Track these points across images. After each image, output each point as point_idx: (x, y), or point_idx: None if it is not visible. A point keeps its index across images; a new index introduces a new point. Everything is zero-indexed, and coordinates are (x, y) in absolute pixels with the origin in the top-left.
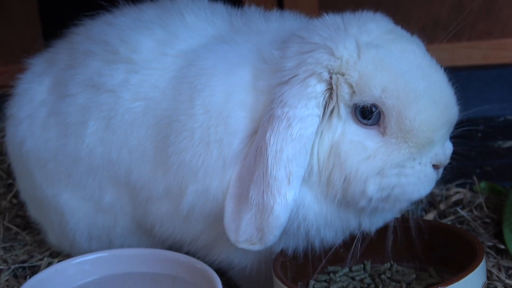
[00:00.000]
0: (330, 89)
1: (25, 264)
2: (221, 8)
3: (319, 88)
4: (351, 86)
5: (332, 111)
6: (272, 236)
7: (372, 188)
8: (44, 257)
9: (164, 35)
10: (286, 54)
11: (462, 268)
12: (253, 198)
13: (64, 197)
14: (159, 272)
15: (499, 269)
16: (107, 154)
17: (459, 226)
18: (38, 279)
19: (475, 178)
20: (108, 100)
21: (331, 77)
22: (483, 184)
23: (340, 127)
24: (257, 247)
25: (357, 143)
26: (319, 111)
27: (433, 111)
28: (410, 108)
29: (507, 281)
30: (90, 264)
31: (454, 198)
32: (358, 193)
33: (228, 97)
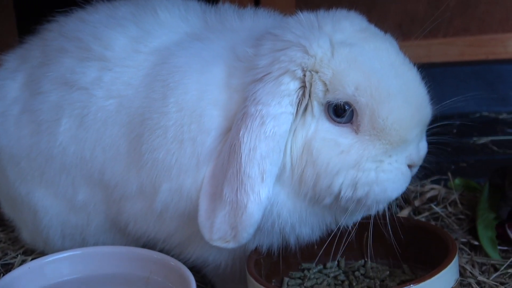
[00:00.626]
0: (303, 87)
1: None
2: (195, 5)
3: (293, 86)
4: (324, 84)
5: (305, 109)
6: (246, 233)
7: (340, 183)
8: (17, 255)
9: (138, 32)
10: (260, 52)
11: (436, 265)
12: (226, 196)
13: (37, 195)
14: (132, 272)
15: (473, 266)
16: (80, 152)
17: (433, 222)
18: (11, 277)
19: (449, 174)
20: (81, 98)
21: (304, 75)
22: (457, 181)
23: (314, 125)
24: (231, 244)
25: (329, 140)
26: (293, 109)
27: (406, 110)
28: (383, 106)
29: (480, 277)
30: (63, 262)
31: (428, 195)
32: (324, 188)
33: (201, 95)
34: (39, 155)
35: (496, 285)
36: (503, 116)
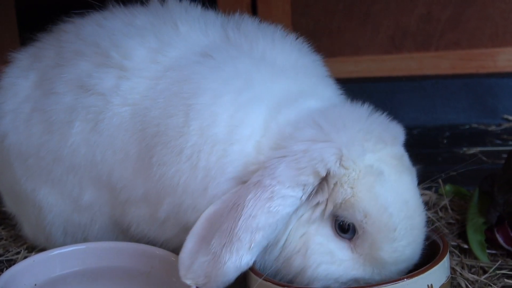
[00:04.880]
0: (322, 182)
1: (1, 258)
2: (213, 17)
3: (311, 180)
4: (341, 198)
5: (317, 204)
6: (215, 286)
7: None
8: (21, 251)
9: (157, 44)
10: (297, 136)
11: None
12: (213, 246)
13: (42, 192)
14: (134, 266)
15: (463, 267)
16: (91, 155)
17: None
18: (16, 269)
19: (440, 181)
20: (96, 103)
21: (327, 177)
22: (448, 187)
23: (317, 224)
24: None
25: (326, 248)
26: (304, 197)
27: (406, 252)
28: (387, 245)
29: (470, 276)
30: (67, 257)
31: None
32: (306, 278)
33: (231, 140)
34: (48, 154)
35: (486, 283)
36: (492, 128)
